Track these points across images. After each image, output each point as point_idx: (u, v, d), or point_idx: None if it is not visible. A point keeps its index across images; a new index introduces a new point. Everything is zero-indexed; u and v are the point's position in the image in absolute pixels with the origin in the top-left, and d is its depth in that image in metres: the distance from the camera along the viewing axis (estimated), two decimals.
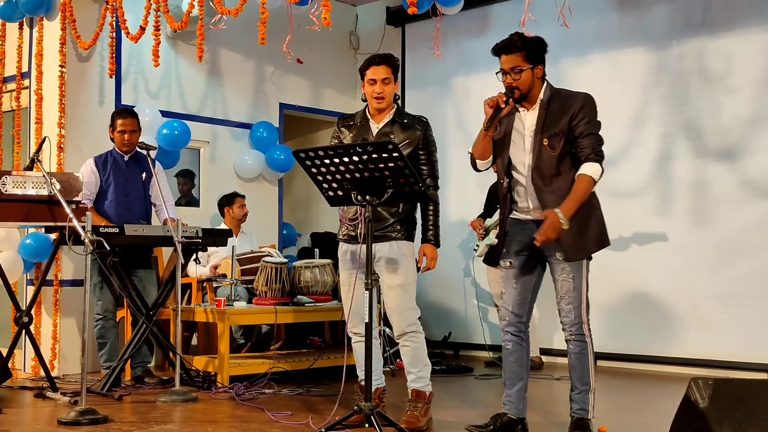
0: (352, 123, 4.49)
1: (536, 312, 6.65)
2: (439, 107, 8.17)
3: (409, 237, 4.36)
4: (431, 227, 4.35)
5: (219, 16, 5.83)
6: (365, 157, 3.71)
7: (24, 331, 5.31)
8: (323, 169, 3.88)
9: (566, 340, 3.96)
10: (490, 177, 7.08)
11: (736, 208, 6.31)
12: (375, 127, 4.40)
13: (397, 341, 4.44)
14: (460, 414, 4.74)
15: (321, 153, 3.81)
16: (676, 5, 6.71)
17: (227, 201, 7.05)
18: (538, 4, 5.67)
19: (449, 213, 7.94)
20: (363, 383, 4.45)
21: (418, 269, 4.44)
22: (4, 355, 5.35)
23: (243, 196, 7.09)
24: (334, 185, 3.94)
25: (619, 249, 6.83)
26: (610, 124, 6.84)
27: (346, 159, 3.76)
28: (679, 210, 6.60)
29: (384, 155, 3.68)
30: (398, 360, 6.50)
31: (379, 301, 4.94)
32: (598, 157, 3.84)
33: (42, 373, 5.57)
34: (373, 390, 4.38)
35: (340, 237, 4.47)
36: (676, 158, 6.63)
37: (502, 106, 3.88)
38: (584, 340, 3.91)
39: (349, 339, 4.48)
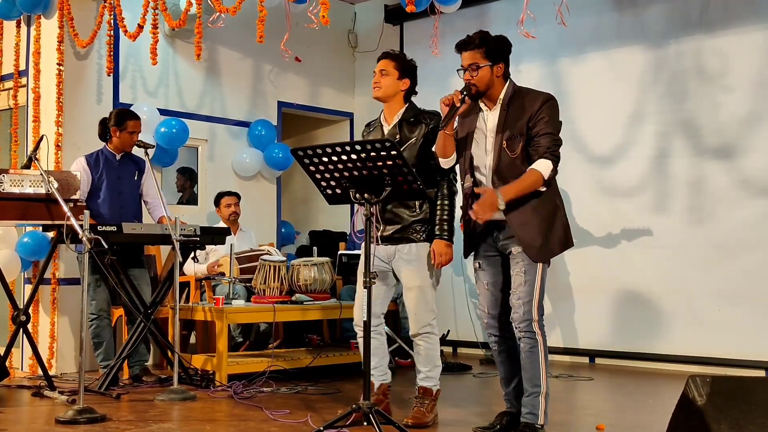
0: (371, 127, 4.54)
1: None
2: (437, 105, 8.12)
3: (430, 239, 4.36)
4: (438, 222, 4.33)
5: (217, 14, 5.82)
6: (363, 155, 3.71)
7: (21, 329, 5.30)
8: (321, 167, 3.88)
9: (517, 337, 3.87)
10: None
11: (733, 207, 6.31)
12: (386, 128, 4.42)
13: (412, 340, 4.49)
14: (460, 412, 4.74)
15: (319, 151, 3.81)
16: (674, 4, 6.71)
17: (216, 201, 7.05)
18: (536, 2, 5.67)
19: None
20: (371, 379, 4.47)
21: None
22: (2, 354, 5.35)
23: (234, 194, 7.02)
24: (333, 183, 3.94)
25: (615, 247, 6.85)
26: (607, 122, 6.94)
27: (344, 157, 3.76)
28: (675, 208, 6.61)
29: (382, 153, 3.68)
30: (397, 358, 6.51)
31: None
32: (553, 157, 3.77)
33: (40, 372, 5.56)
34: (378, 386, 4.41)
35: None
36: (673, 156, 6.64)
37: (457, 104, 3.87)
38: (534, 338, 3.81)
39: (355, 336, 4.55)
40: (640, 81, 6.83)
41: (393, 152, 3.67)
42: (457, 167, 4.19)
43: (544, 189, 3.80)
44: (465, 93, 3.87)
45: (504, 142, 3.84)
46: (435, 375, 4.40)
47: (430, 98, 8.22)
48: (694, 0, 6.61)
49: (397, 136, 4.31)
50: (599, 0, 7.09)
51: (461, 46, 3.95)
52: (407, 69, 4.45)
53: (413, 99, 4.55)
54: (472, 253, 4.12)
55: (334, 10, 5.55)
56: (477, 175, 3.99)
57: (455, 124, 4.00)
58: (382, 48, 8.42)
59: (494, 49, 3.90)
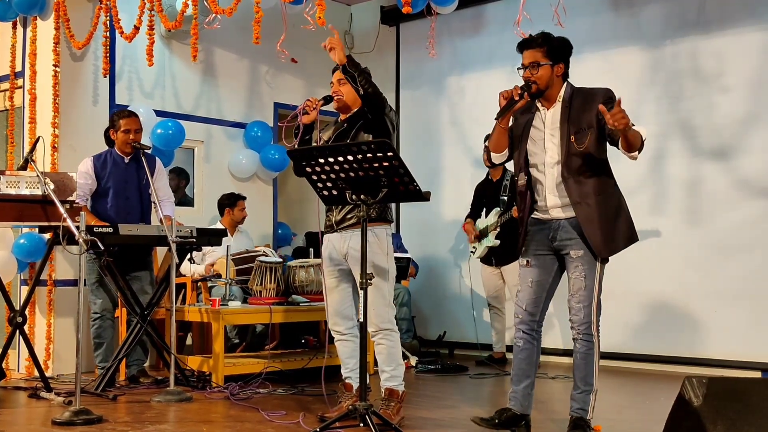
0: (328, 126, 4.62)
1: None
2: (433, 106, 8.18)
3: (380, 218, 4.30)
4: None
5: (213, 15, 5.81)
6: (360, 156, 3.71)
7: (18, 331, 5.29)
8: (318, 169, 3.88)
9: (573, 339, 3.94)
10: (480, 177, 7.13)
11: (730, 208, 6.32)
12: (338, 123, 4.52)
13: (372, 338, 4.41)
14: (456, 413, 4.74)
15: (315, 152, 3.82)
16: (670, 5, 6.72)
17: (230, 202, 7.01)
18: (532, 3, 5.68)
19: (444, 212, 7.96)
20: (347, 381, 4.48)
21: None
22: None
23: (245, 198, 7.07)
24: (329, 184, 3.94)
25: None
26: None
27: (340, 158, 3.76)
28: (673, 209, 6.62)
29: (378, 154, 3.68)
30: None
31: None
32: (644, 130, 3.81)
33: (36, 374, 5.55)
34: (355, 388, 4.40)
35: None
36: (670, 157, 6.65)
37: (516, 98, 3.88)
38: (591, 341, 3.88)
39: (332, 337, 4.53)
40: (637, 82, 6.84)
41: (389, 153, 3.68)
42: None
43: (636, 154, 3.79)
44: (524, 89, 3.89)
45: (572, 135, 3.87)
46: (399, 374, 4.38)
47: (426, 97, 8.31)
48: (690, 1, 6.62)
49: (345, 125, 4.40)
50: (596, 1, 7.10)
51: (523, 45, 3.99)
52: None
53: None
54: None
55: (330, 11, 5.54)
56: (533, 172, 4.01)
57: (510, 120, 4.02)
58: (378, 49, 8.47)
59: (556, 48, 3.94)
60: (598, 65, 7.02)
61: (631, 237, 3.98)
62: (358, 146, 3.72)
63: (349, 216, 4.31)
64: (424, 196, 3.90)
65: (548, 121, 3.97)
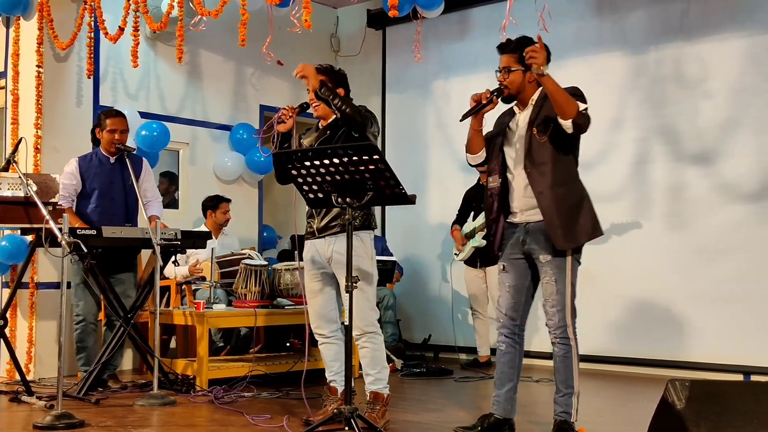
0: (309, 131, 4.63)
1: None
2: (419, 110, 8.19)
3: (364, 226, 4.33)
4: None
5: (199, 17, 5.80)
6: (345, 159, 3.72)
7: None
8: (303, 172, 3.88)
9: (552, 343, 3.98)
10: (470, 182, 7.15)
11: (713, 212, 6.36)
12: (319, 130, 4.52)
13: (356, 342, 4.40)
14: (441, 416, 4.74)
15: (301, 155, 3.82)
16: (654, 11, 6.77)
17: (213, 204, 7.00)
18: (518, 8, 5.70)
19: (430, 216, 7.96)
20: (331, 384, 4.48)
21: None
22: None
23: (229, 201, 7.06)
24: (315, 187, 3.94)
25: (596, 251, 6.86)
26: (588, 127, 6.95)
27: (326, 161, 3.76)
28: (656, 213, 6.65)
29: (365, 157, 3.69)
30: None
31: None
32: (586, 108, 3.81)
33: (17, 377, 5.51)
34: (340, 391, 4.41)
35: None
36: (653, 162, 6.68)
37: (484, 102, 3.92)
38: (568, 344, 3.91)
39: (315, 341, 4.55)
40: (621, 87, 6.88)
41: (375, 156, 3.68)
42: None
43: (571, 125, 3.76)
44: (495, 93, 3.94)
45: (534, 129, 3.92)
46: (384, 377, 4.37)
47: (411, 101, 8.31)
48: (674, 7, 6.67)
49: (328, 132, 4.40)
50: (581, 6, 7.13)
51: (500, 48, 4.05)
52: (336, 79, 4.50)
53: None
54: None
55: (316, 14, 5.54)
56: (508, 175, 4.05)
57: (483, 121, 4.05)
58: (364, 52, 8.47)
59: None
60: (582, 70, 7.04)
61: (594, 230, 3.95)
62: (345, 149, 3.72)
63: (332, 224, 4.32)
64: (410, 200, 3.90)
65: (521, 123, 4.03)
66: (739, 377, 6.01)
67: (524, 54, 3.76)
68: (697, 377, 4.39)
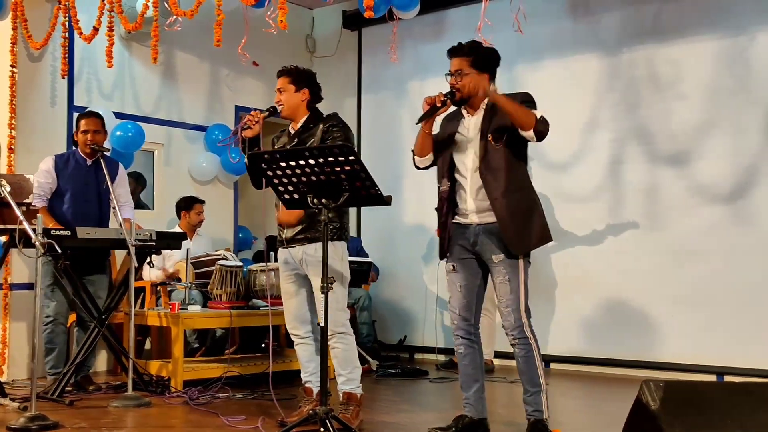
0: (281, 134, 4.63)
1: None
2: (395, 111, 8.20)
3: (340, 237, 4.38)
4: None
5: (174, 17, 5.77)
6: (321, 160, 3.72)
7: None
8: (279, 173, 3.88)
9: (511, 345, 4.00)
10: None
11: (686, 213, 6.42)
12: (290, 135, 4.52)
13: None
14: (416, 417, 4.75)
15: (277, 156, 3.81)
16: (627, 13, 6.82)
17: (186, 205, 6.98)
18: (493, 9, 5.72)
19: (405, 217, 7.97)
20: (306, 385, 4.48)
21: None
22: None
23: (202, 202, 7.03)
24: (290, 188, 3.94)
25: (570, 253, 6.92)
26: (563, 129, 6.99)
27: (302, 162, 3.76)
28: (630, 214, 6.70)
29: (340, 159, 3.69)
30: None
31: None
32: (538, 111, 3.89)
33: None
34: (315, 392, 4.40)
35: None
36: (627, 163, 6.73)
37: (438, 104, 3.94)
38: (528, 342, 3.93)
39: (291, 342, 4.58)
40: (596, 88, 6.92)
41: (351, 157, 3.68)
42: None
43: (533, 134, 3.85)
44: (448, 96, 3.96)
45: (489, 136, 3.95)
46: (356, 377, 4.39)
47: (387, 102, 8.32)
48: (647, 8, 6.72)
49: (296, 140, 4.42)
50: (555, 8, 7.17)
51: (451, 52, 4.07)
52: (303, 79, 4.51)
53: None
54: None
55: (291, 14, 5.53)
56: (457, 177, 4.07)
57: (434, 124, 4.08)
58: (340, 53, 8.47)
59: (482, 59, 4.02)
60: (557, 72, 7.10)
61: (544, 237, 4.03)
62: (321, 150, 3.72)
63: (298, 237, 4.37)
64: (386, 201, 3.91)
65: (471, 127, 4.05)
66: (713, 378, 6.07)
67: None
68: (671, 378, 4.43)
